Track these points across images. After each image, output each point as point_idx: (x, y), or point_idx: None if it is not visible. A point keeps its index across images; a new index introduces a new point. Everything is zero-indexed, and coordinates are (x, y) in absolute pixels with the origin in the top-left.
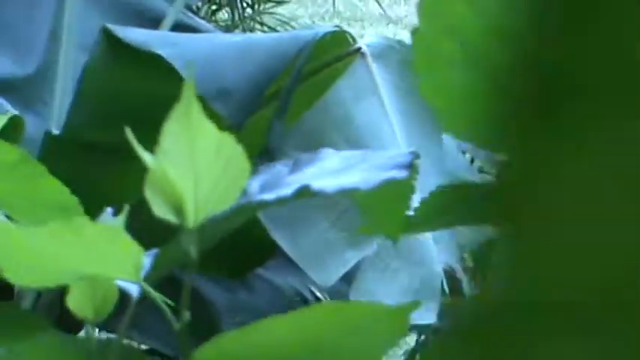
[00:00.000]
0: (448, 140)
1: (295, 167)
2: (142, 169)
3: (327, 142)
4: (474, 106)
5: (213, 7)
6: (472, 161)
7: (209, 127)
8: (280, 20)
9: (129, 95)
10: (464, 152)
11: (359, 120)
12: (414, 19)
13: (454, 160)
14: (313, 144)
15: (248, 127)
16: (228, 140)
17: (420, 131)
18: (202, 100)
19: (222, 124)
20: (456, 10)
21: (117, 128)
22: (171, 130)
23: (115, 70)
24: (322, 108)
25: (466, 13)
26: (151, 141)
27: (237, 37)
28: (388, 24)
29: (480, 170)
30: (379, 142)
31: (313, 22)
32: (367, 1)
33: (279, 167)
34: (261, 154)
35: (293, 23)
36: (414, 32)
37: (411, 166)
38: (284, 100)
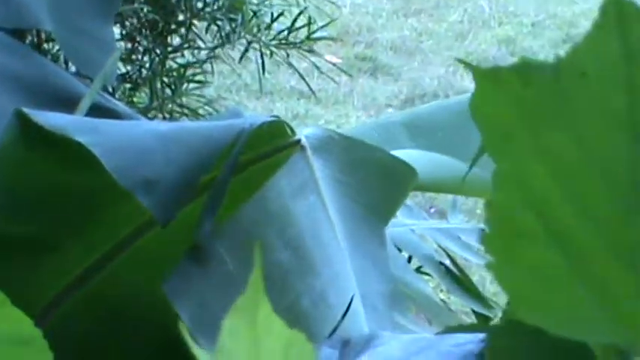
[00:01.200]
0: (388, 240)
1: (346, 353)
2: (56, 264)
3: (263, 242)
4: (554, 289)
5: (128, 86)
6: (409, 260)
7: (276, 324)
8: (201, 102)
9: (45, 185)
10: (400, 250)
11: (298, 219)
12: (327, 94)
13: (395, 259)
14: (248, 244)
15: (176, 222)
16: (297, 339)
17: (361, 232)
18: (126, 191)
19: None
20: (538, 181)
21: (31, 220)
22: (233, 326)
23: (30, 157)
24: (259, 204)
25: (549, 185)
26: (67, 234)
27: (164, 124)
28: (299, 98)
29: (417, 270)
30: (319, 245)
31: (219, 95)
32: (277, 74)
33: (326, 350)
34: (188, 254)
35: (216, 105)
36: (489, 204)
37: (481, 357)
38: (216, 192)
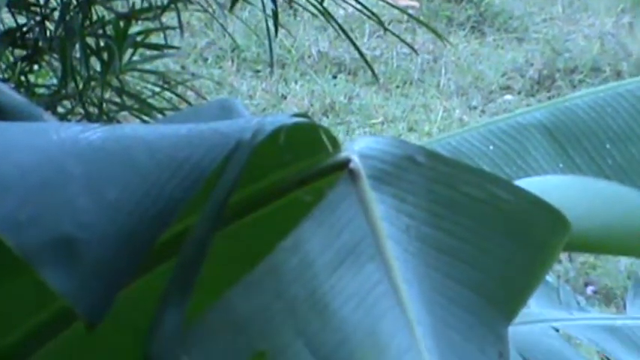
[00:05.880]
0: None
1: None
2: None
3: (274, 352)
4: None
5: (21, 53)
6: None
7: None
8: (157, 85)
9: None
10: None
11: (341, 310)
12: (389, 66)
13: None
14: (242, 354)
15: (115, 315)
16: None
17: (465, 336)
18: (19, 260)
19: None
20: None
21: None
22: None
23: None
24: (265, 281)
25: None
26: None
27: (91, 130)
28: (336, 74)
29: None
30: (381, 356)
31: (184, 67)
32: (294, 29)
33: None
34: None
35: (184, 92)
36: None
37: None
38: (188, 261)
